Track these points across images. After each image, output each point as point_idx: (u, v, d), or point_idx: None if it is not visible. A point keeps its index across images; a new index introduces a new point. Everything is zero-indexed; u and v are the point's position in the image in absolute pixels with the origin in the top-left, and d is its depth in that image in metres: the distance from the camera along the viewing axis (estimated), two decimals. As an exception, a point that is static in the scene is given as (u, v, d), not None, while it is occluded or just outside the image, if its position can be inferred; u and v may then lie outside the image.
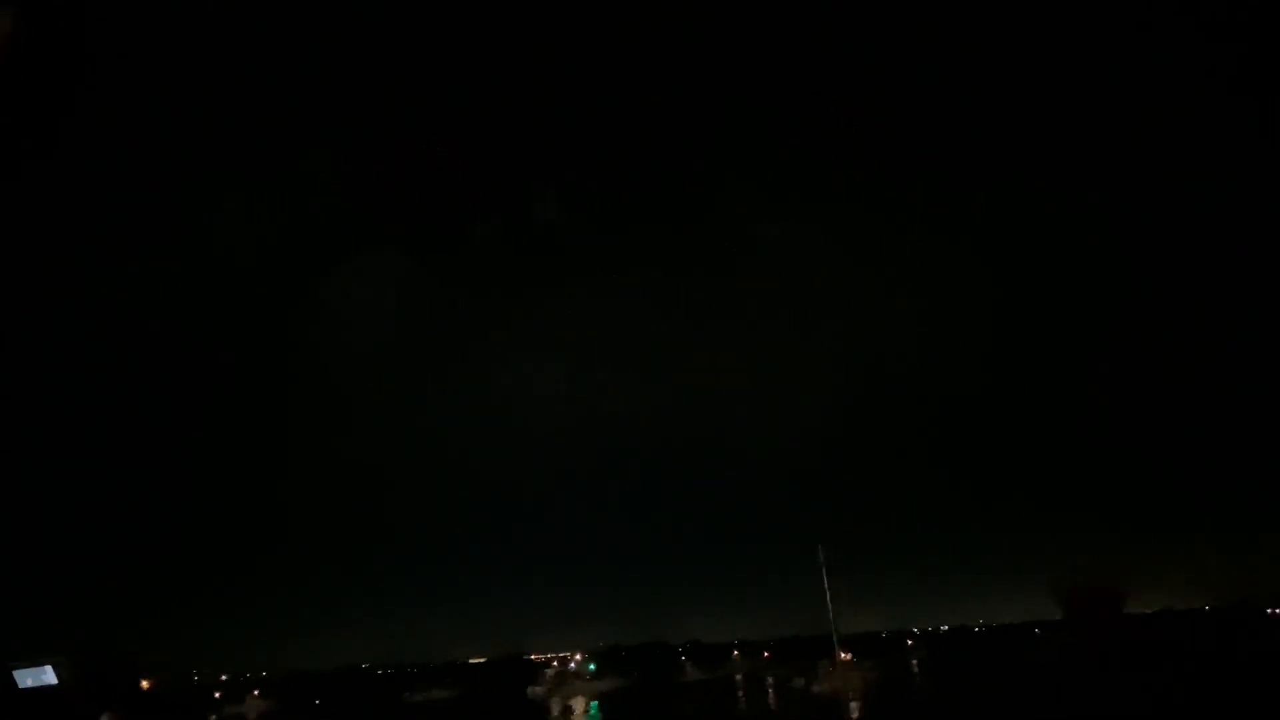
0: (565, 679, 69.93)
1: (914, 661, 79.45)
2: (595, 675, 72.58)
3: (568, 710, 51.43)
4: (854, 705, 39.03)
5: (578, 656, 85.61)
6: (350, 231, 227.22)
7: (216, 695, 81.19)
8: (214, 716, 65.61)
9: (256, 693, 74.96)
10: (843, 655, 50.18)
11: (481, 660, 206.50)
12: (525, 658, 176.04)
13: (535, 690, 67.66)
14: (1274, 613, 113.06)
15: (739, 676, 74.87)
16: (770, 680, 65.32)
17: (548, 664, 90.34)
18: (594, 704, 55.31)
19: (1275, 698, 28.93)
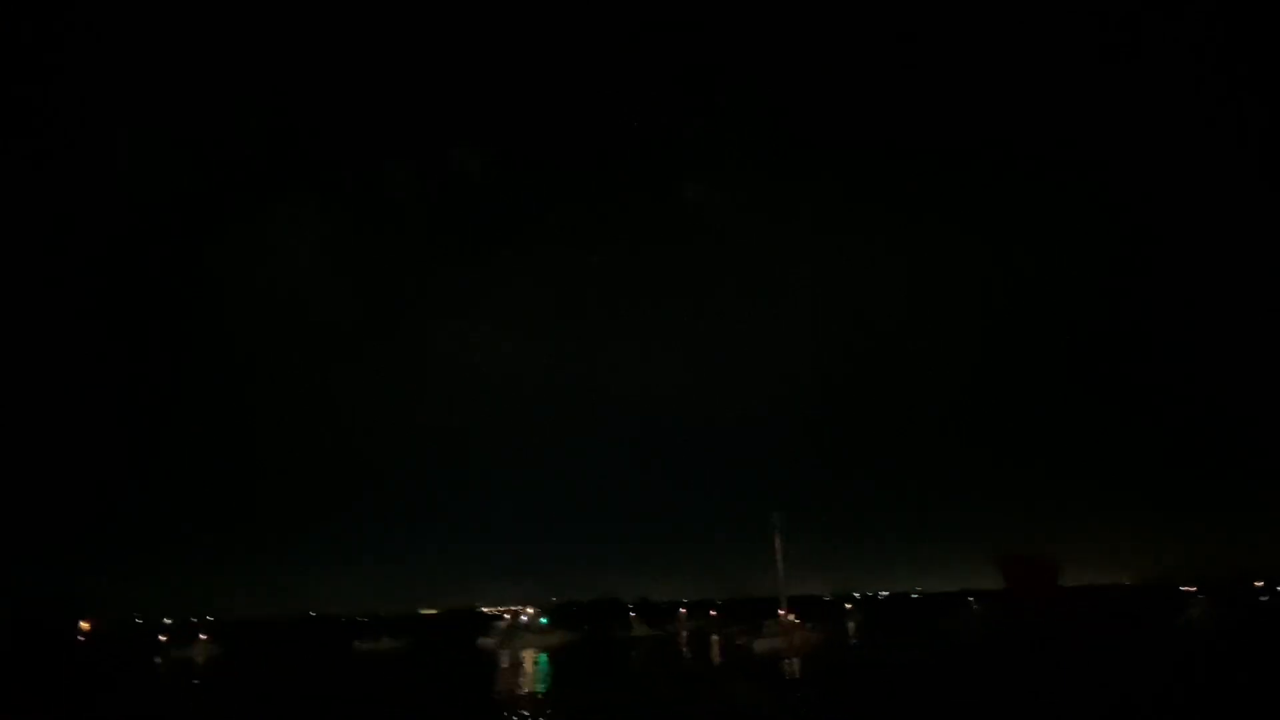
0: (516, 631, 71.05)
1: (851, 624, 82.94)
2: (546, 629, 73.97)
3: (518, 661, 52.37)
4: (793, 661, 40.78)
5: (529, 610, 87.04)
6: (263, 176, 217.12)
7: (162, 638, 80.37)
8: (159, 659, 64.97)
9: (204, 637, 74.30)
10: (786, 616, 52.05)
11: (433, 612, 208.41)
12: (477, 610, 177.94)
13: (486, 641, 68.70)
14: (1188, 590, 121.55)
15: (685, 633, 77.23)
16: (715, 638, 67.60)
17: (499, 617, 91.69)
18: (543, 655, 56.42)
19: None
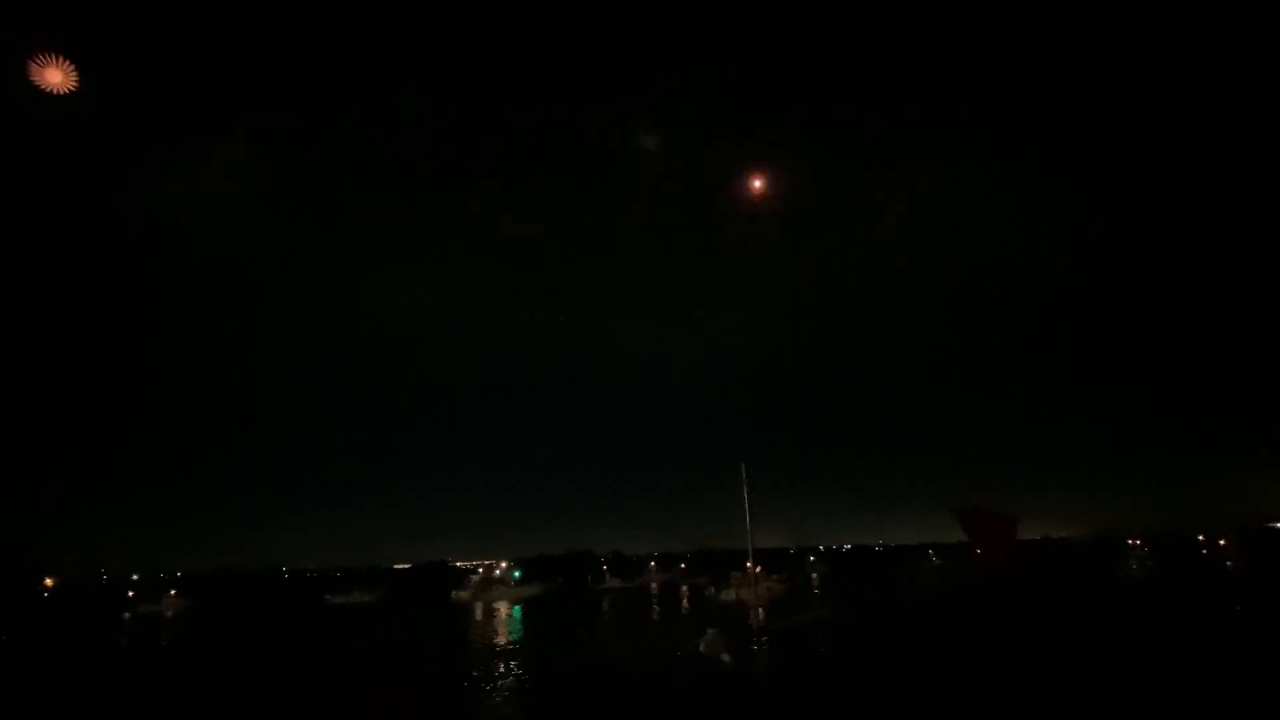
0: (490, 584, 72.08)
1: (814, 576, 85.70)
2: (520, 581, 75.14)
3: (491, 613, 53.21)
4: (759, 611, 42.10)
5: (503, 564, 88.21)
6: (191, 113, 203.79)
7: (130, 594, 79.84)
8: (128, 614, 64.62)
9: (174, 592, 74.02)
10: (753, 568, 53.52)
11: (407, 566, 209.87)
12: (451, 564, 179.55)
13: (460, 594, 69.58)
14: (1133, 543, 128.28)
15: (655, 585, 79.12)
16: (684, 589, 69.39)
17: (473, 570, 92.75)
18: (517, 608, 57.38)
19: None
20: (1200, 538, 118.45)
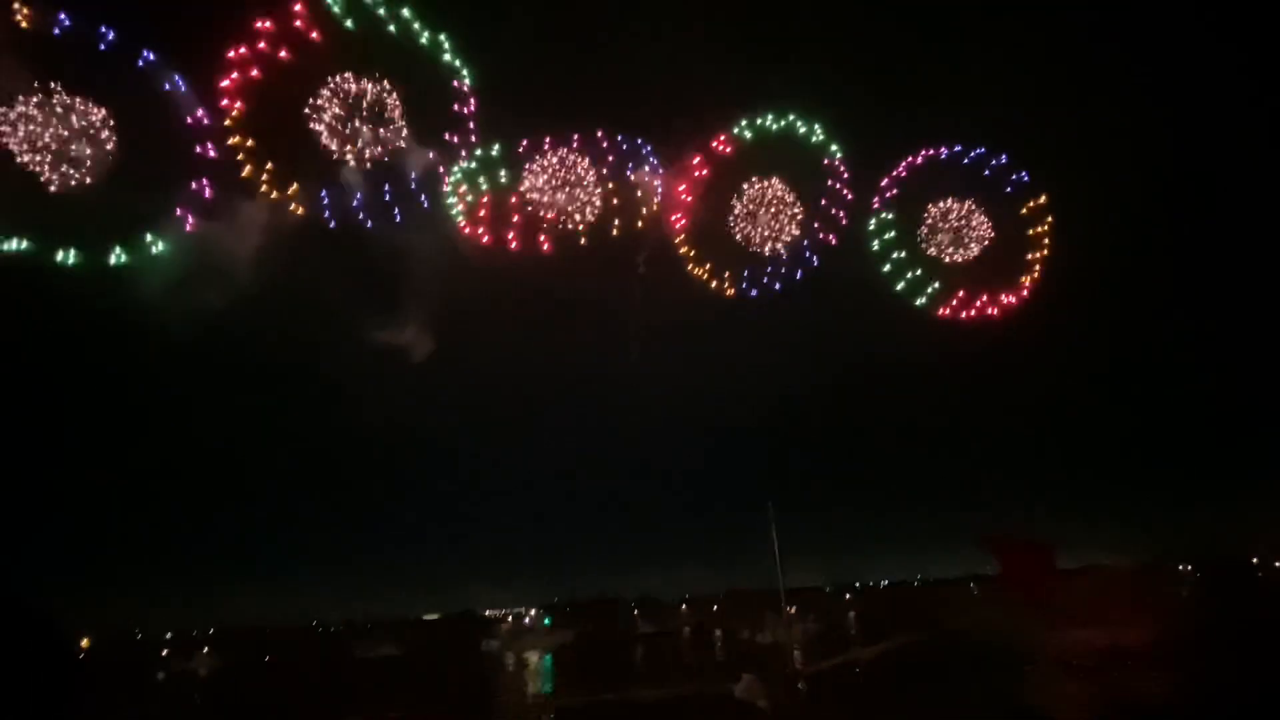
0: (520, 633, 71.35)
1: (851, 614, 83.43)
2: (550, 629, 74.17)
3: (522, 663, 52.59)
4: (795, 653, 41.11)
5: (532, 612, 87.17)
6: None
7: (164, 653, 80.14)
8: (163, 674, 64.84)
9: (207, 650, 74.30)
10: (787, 609, 52.41)
11: (435, 617, 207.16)
12: (480, 614, 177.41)
13: (490, 644, 68.89)
14: (1183, 569, 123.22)
15: (687, 629, 77.52)
16: (718, 632, 67.89)
17: (502, 619, 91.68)
18: (548, 656, 56.65)
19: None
20: (1255, 560, 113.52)
